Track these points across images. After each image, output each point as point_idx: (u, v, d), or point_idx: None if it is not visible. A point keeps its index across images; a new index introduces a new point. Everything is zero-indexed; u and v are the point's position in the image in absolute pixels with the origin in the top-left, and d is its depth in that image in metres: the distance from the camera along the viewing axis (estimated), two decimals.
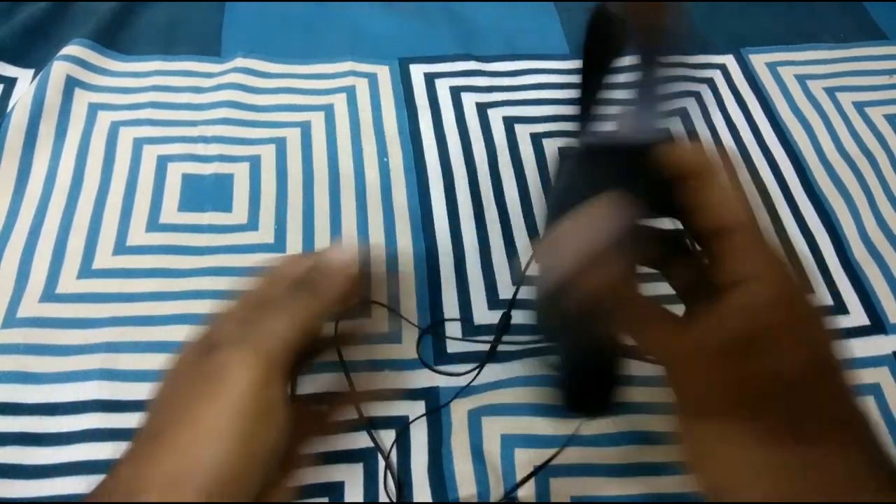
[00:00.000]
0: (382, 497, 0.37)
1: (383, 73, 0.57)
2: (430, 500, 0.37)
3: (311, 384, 0.40)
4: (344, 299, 0.25)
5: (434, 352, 0.42)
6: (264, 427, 0.22)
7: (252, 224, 0.47)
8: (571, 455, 0.38)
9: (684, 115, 0.56)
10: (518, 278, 0.30)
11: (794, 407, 0.19)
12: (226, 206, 0.48)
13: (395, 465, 0.38)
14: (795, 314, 0.20)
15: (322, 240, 0.46)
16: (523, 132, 0.54)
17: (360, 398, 0.30)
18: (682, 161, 0.22)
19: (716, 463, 0.20)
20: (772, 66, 0.60)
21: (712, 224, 0.21)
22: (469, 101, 0.56)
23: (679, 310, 0.24)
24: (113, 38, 0.57)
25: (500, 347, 0.42)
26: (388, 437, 0.39)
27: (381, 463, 0.38)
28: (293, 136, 0.52)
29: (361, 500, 0.37)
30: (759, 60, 0.61)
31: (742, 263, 0.20)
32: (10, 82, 0.54)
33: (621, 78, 0.24)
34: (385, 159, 0.51)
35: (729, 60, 0.61)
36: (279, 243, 0.46)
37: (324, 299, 0.24)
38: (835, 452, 0.19)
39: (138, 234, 0.46)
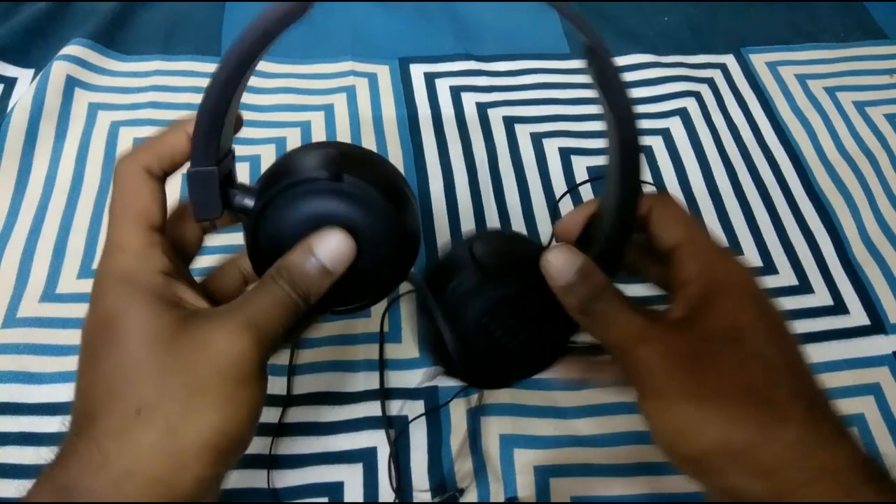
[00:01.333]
0: (382, 497, 0.37)
1: (383, 72, 0.57)
2: (429, 501, 0.37)
3: (313, 383, 0.40)
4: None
5: None
6: (260, 394, 0.23)
7: None
8: (571, 455, 0.38)
9: (684, 114, 0.56)
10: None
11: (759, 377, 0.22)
12: None
13: (397, 458, 0.38)
14: (729, 290, 0.24)
15: None
16: (523, 132, 0.54)
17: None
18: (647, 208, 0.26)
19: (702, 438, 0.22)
20: (772, 66, 0.60)
21: (669, 242, 0.25)
22: (469, 100, 0.56)
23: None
24: (113, 38, 0.57)
25: None
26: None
27: (382, 458, 0.38)
28: (293, 136, 0.52)
29: (361, 500, 0.37)
30: (759, 60, 0.61)
31: (687, 266, 0.24)
32: (10, 82, 0.54)
33: None
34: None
35: (729, 60, 0.61)
36: None
37: (308, 299, 0.24)
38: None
39: None
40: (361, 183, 0.25)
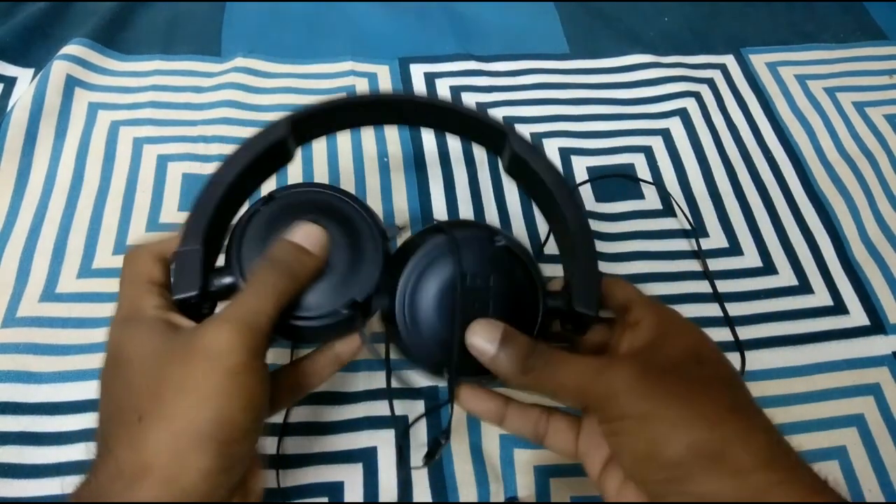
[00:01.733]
0: (382, 497, 0.37)
1: (383, 72, 0.57)
2: (430, 501, 0.37)
3: None
4: (316, 275, 0.27)
5: None
6: (256, 382, 0.24)
7: None
8: None
9: (684, 115, 0.56)
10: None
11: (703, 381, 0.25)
12: None
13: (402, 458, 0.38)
14: (679, 326, 0.27)
15: None
16: (523, 132, 0.54)
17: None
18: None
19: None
20: (772, 66, 0.60)
21: (620, 299, 0.29)
22: (469, 100, 0.56)
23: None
24: (113, 38, 0.57)
25: None
26: (388, 436, 0.39)
27: (382, 458, 0.38)
28: None
29: (361, 500, 0.37)
30: (759, 60, 0.61)
31: (638, 311, 0.28)
32: (10, 82, 0.54)
33: None
34: (385, 159, 0.51)
35: (729, 60, 0.61)
36: None
37: (297, 278, 0.26)
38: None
39: (138, 234, 0.46)
40: (292, 192, 0.29)
